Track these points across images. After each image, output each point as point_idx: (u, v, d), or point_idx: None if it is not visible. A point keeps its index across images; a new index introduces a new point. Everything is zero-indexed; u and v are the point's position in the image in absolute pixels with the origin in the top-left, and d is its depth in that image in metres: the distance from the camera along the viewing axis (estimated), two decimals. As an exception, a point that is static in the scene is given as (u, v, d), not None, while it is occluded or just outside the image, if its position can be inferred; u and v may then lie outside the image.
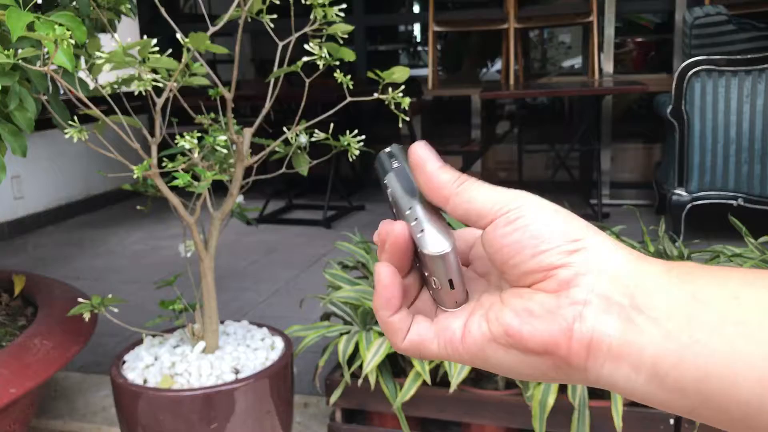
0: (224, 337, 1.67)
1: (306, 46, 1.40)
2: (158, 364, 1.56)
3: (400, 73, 1.36)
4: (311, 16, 1.38)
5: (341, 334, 1.71)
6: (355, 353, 1.69)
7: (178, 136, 1.40)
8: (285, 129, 1.53)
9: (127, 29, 3.89)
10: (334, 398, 1.73)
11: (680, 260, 1.79)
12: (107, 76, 1.53)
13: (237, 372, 1.55)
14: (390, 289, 0.37)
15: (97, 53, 1.32)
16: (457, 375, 1.56)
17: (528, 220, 0.34)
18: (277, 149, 1.55)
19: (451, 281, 0.36)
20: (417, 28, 6.85)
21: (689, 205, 3.28)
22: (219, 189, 1.57)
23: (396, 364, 1.74)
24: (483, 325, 0.35)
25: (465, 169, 4.34)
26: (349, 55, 1.40)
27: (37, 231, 4.28)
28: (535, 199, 0.35)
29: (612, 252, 0.33)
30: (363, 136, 1.48)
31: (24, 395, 1.44)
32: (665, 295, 0.31)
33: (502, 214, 0.34)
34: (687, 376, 0.30)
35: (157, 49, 1.31)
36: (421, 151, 0.37)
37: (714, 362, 0.29)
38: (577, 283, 0.33)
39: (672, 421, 1.56)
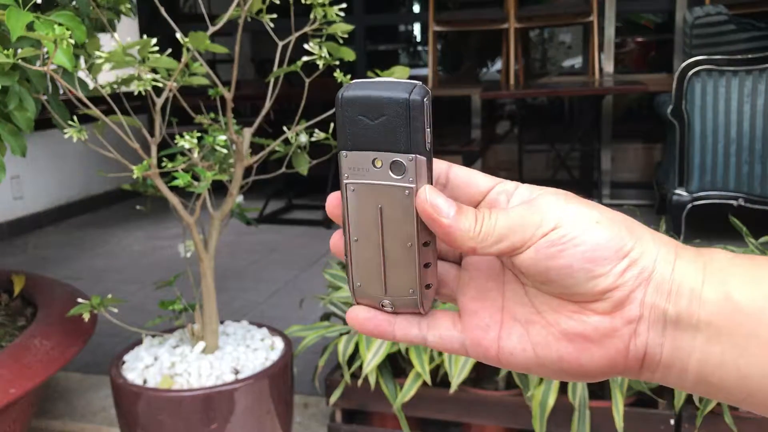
0: (224, 337, 1.67)
1: (306, 46, 1.40)
2: (158, 365, 1.56)
3: (400, 73, 1.35)
4: (311, 16, 1.38)
5: (341, 335, 1.71)
6: (355, 353, 1.69)
7: (177, 136, 1.40)
8: (285, 129, 1.53)
9: (127, 29, 3.89)
10: (334, 398, 1.72)
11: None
12: (107, 76, 1.53)
13: (237, 372, 1.55)
14: (372, 324, 0.37)
15: (97, 53, 1.32)
16: (457, 375, 1.56)
17: (576, 241, 0.32)
18: (277, 149, 1.54)
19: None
20: (417, 28, 6.85)
21: (689, 205, 3.28)
22: (219, 189, 1.57)
23: (396, 365, 1.74)
24: (528, 349, 0.34)
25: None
26: (349, 54, 1.40)
27: (36, 231, 4.28)
28: (567, 207, 0.33)
29: (655, 256, 0.32)
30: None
31: (23, 396, 1.43)
32: (704, 297, 0.31)
33: (541, 236, 0.32)
34: (730, 377, 0.31)
35: (156, 48, 1.31)
36: (431, 201, 0.33)
37: (753, 364, 0.30)
38: (631, 300, 0.32)
39: (672, 422, 1.56)
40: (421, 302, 0.36)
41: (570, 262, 0.32)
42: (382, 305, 0.36)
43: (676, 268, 0.32)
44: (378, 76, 1.36)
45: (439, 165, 0.36)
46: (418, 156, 0.33)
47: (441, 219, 0.33)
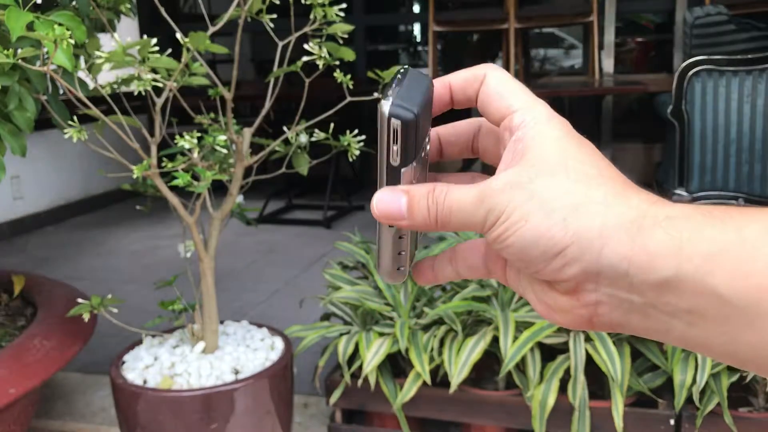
0: (224, 337, 1.67)
1: (306, 46, 1.40)
2: (158, 365, 1.56)
3: (400, 73, 1.35)
4: (311, 16, 1.38)
5: (341, 335, 1.71)
6: (355, 353, 1.69)
7: (177, 136, 1.40)
8: (285, 129, 1.53)
9: (127, 29, 3.89)
10: (334, 399, 1.72)
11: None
12: (107, 76, 1.53)
13: (237, 372, 1.55)
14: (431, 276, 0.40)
15: (97, 53, 1.32)
16: (457, 375, 1.56)
17: (508, 242, 0.32)
18: (277, 149, 1.54)
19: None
20: (417, 28, 6.85)
21: (689, 205, 3.27)
22: (219, 189, 1.57)
23: (396, 365, 1.74)
24: (516, 287, 0.37)
25: (465, 169, 4.34)
26: (348, 54, 1.40)
27: (37, 231, 4.28)
28: (513, 197, 0.32)
29: (605, 246, 0.30)
30: (363, 136, 1.48)
31: (23, 396, 1.43)
32: (682, 288, 0.29)
33: (486, 232, 0.33)
34: (717, 354, 0.30)
35: (156, 49, 1.31)
36: (380, 211, 0.36)
37: (744, 351, 0.28)
38: (583, 288, 0.32)
39: (672, 422, 1.56)
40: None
41: (509, 258, 0.33)
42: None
43: (640, 258, 0.29)
44: (378, 75, 1.36)
45: (476, 74, 0.36)
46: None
47: (399, 223, 0.35)
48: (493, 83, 0.35)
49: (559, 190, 0.31)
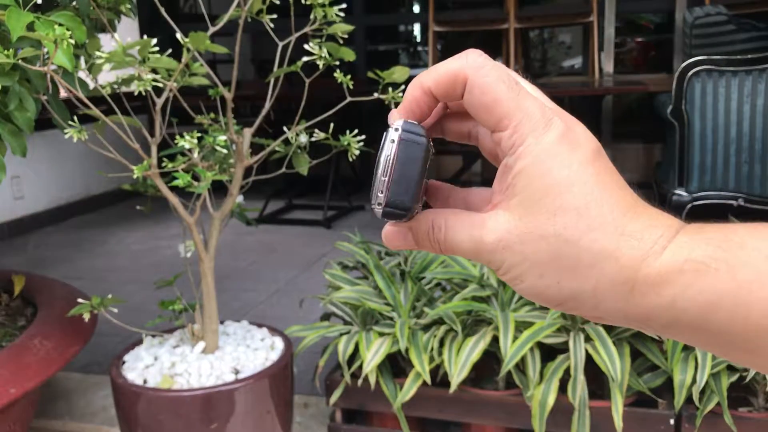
0: (224, 337, 1.67)
1: (306, 46, 1.40)
2: (158, 365, 1.56)
3: (400, 73, 1.36)
4: (311, 16, 1.38)
5: (341, 335, 1.71)
6: (355, 353, 1.69)
7: (177, 136, 1.40)
8: (285, 129, 1.53)
9: (127, 29, 3.89)
10: (334, 398, 1.72)
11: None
12: (107, 76, 1.53)
13: (237, 372, 1.55)
14: None
15: (97, 53, 1.32)
16: (456, 375, 1.56)
17: (518, 288, 0.34)
18: (277, 149, 1.54)
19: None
20: (417, 28, 6.85)
21: (689, 205, 3.28)
22: (219, 189, 1.57)
23: (396, 365, 1.74)
24: None
25: (465, 169, 4.34)
26: (349, 55, 1.40)
27: (37, 231, 4.28)
28: (505, 253, 0.33)
29: (600, 304, 0.32)
30: (363, 136, 1.48)
31: (24, 395, 1.44)
32: (680, 330, 0.31)
33: (494, 271, 0.35)
34: (716, 353, 0.32)
35: (157, 49, 1.31)
36: (390, 244, 0.38)
37: (749, 364, 0.31)
38: (589, 317, 0.34)
39: (672, 422, 1.56)
40: None
41: (519, 292, 0.35)
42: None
43: (638, 309, 0.31)
44: (378, 76, 1.36)
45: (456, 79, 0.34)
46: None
47: (410, 248, 0.37)
48: (477, 94, 0.33)
49: (550, 250, 0.32)
